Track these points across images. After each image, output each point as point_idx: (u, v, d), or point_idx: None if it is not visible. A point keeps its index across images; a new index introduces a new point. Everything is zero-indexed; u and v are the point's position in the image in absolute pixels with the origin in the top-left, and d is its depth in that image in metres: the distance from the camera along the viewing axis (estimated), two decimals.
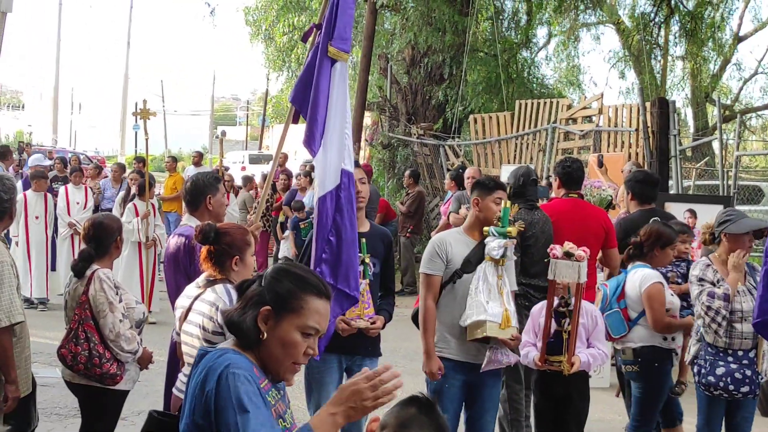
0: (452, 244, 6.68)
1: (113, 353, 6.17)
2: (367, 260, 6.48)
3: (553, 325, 6.75)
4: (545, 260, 6.96)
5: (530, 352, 6.85)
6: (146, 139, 13.80)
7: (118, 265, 14.05)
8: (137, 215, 13.59)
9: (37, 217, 14.48)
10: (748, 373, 6.80)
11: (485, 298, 6.36)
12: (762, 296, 6.36)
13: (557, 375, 6.72)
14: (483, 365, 6.51)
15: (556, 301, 6.77)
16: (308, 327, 3.43)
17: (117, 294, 6.24)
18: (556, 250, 6.65)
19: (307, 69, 6.67)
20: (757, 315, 6.36)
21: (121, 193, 15.29)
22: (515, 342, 6.56)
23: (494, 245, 6.41)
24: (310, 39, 6.86)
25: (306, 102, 6.56)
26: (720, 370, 6.85)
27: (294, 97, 6.78)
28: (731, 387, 6.80)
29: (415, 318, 6.93)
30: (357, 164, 6.92)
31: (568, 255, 6.62)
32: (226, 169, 22.66)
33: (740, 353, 6.84)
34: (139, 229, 13.51)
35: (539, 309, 7.05)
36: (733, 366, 6.82)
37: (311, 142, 6.45)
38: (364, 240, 6.51)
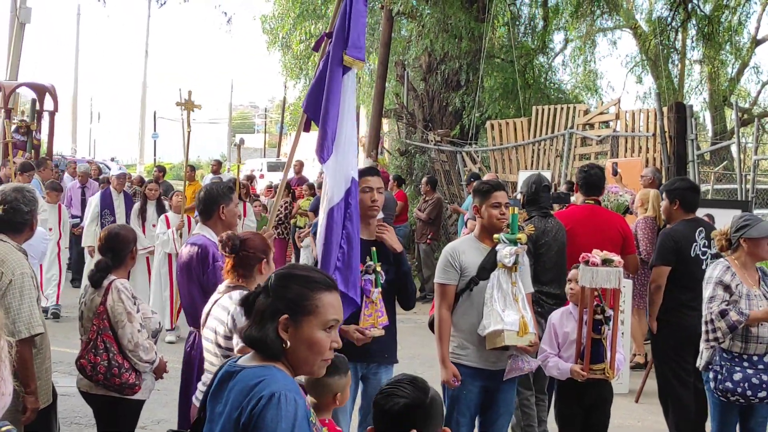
0: (465, 252, 6.70)
1: (132, 363, 6.21)
2: (378, 269, 6.45)
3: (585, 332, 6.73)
4: (574, 267, 6.97)
5: (560, 363, 6.84)
6: (188, 132, 13.50)
7: (142, 277, 14.03)
8: (168, 227, 13.25)
9: (50, 228, 14.29)
10: (765, 378, 6.75)
11: (501, 307, 6.38)
12: None
13: (589, 382, 6.72)
14: (505, 373, 6.55)
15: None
16: (329, 321, 3.43)
17: (135, 304, 6.29)
18: (595, 258, 6.62)
19: (319, 77, 6.69)
20: None
21: (137, 204, 14.84)
22: (534, 348, 6.58)
23: (505, 252, 6.43)
24: (322, 47, 6.88)
25: (319, 110, 6.58)
26: (737, 376, 6.80)
27: (307, 105, 6.80)
28: (749, 392, 6.76)
29: (431, 325, 6.96)
30: (376, 172, 6.95)
31: (607, 262, 6.62)
32: (251, 179, 22.57)
33: (755, 358, 6.80)
34: (174, 239, 13.12)
35: (559, 317, 7.06)
36: (750, 371, 6.78)
37: (322, 150, 6.46)
38: (374, 248, 6.49)
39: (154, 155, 66.34)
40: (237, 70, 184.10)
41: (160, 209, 14.34)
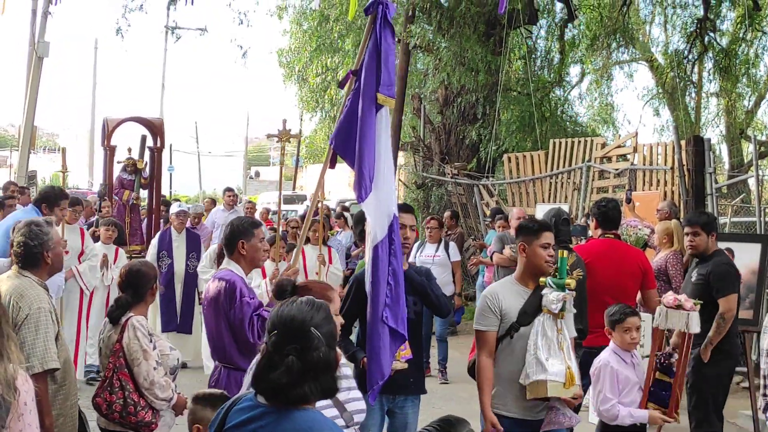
0: (505, 296, 6.33)
1: (148, 401, 6.18)
2: None
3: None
4: (611, 310, 6.94)
5: (633, 411, 6.66)
6: (281, 165, 11.72)
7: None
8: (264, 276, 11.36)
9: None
10: None
11: (545, 355, 6.06)
12: None
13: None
14: (543, 425, 6.24)
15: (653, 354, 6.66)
16: None
17: (151, 341, 6.25)
18: (689, 302, 6.54)
19: (347, 114, 6.68)
20: None
21: (213, 247, 13.32)
22: (578, 401, 6.31)
23: (552, 298, 6.10)
24: (347, 85, 6.87)
25: (348, 147, 6.58)
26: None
27: (336, 142, 6.79)
28: None
29: (471, 371, 6.63)
30: (410, 209, 6.97)
31: (679, 306, 6.53)
32: (269, 211, 22.19)
33: None
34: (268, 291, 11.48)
35: (616, 362, 6.83)
36: None
37: (360, 189, 6.45)
38: None
39: (170, 188, 66.46)
40: (253, 102, 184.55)
41: None
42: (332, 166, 6.95)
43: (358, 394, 4.83)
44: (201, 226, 16.89)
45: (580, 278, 6.78)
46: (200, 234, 16.10)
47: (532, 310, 6.21)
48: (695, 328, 6.59)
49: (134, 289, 6.41)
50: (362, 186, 6.42)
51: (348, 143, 6.59)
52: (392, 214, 6.44)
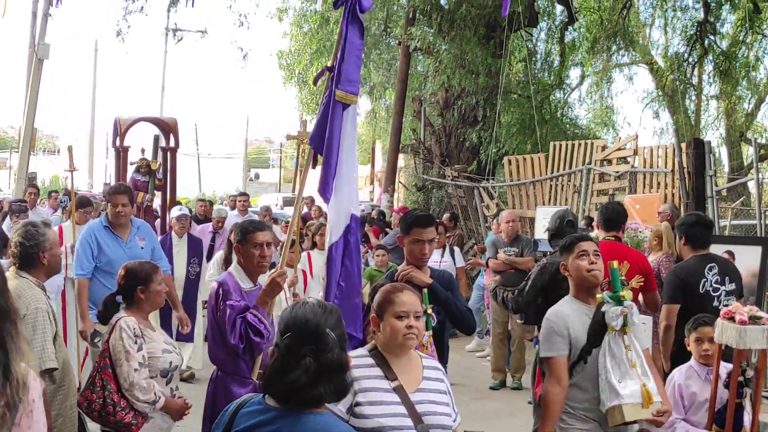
0: (571, 318, 5.88)
1: (129, 402, 6.13)
2: (430, 311, 6.16)
3: (726, 393, 6.23)
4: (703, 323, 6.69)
5: (690, 430, 6.40)
6: (305, 169, 11.04)
7: None
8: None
9: None
10: None
11: (616, 378, 5.64)
12: None
13: None
14: None
15: (725, 370, 6.29)
16: None
17: (136, 343, 6.18)
18: (743, 315, 6.04)
19: (323, 112, 6.68)
20: None
21: (220, 252, 12.78)
22: (665, 418, 5.82)
23: (611, 315, 5.70)
24: (323, 80, 6.86)
25: (322, 145, 6.57)
26: None
27: (311, 140, 6.78)
28: None
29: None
30: (430, 222, 6.73)
31: (755, 319, 6.04)
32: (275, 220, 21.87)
33: None
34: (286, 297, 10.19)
35: (684, 377, 6.65)
36: None
37: (326, 188, 6.45)
38: (425, 290, 6.21)
39: None
40: (253, 105, 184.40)
41: None
42: (314, 166, 6.91)
43: (446, 409, 4.60)
44: (223, 230, 16.55)
45: (641, 284, 6.56)
46: (222, 238, 15.90)
47: (600, 327, 5.79)
48: (753, 343, 6.04)
49: (123, 289, 6.40)
50: (327, 186, 6.42)
51: (321, 140, 6.58)
52: (350, 215, 6.40)
